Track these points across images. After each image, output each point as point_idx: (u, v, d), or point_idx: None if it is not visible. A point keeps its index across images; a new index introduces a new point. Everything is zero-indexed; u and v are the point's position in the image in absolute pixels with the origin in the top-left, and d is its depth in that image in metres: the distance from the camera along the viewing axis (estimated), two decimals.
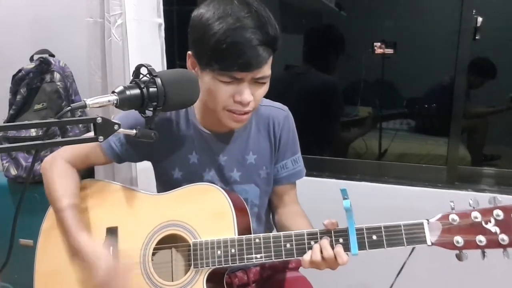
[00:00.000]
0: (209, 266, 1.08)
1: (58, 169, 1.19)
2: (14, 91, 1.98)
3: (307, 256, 1.01)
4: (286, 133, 1.23)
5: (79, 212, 1.15)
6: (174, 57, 1.94)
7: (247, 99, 1.04)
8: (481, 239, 0.95)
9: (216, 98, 1.06)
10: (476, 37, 1.76)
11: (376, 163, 2.16)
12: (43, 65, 1.95)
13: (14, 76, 1.96)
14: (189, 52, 1.10)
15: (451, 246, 0.97)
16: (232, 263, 1.07)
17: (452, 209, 0.99)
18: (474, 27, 1.75)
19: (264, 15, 1.02)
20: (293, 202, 1.30)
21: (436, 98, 2.17)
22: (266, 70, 1.04)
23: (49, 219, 1.19)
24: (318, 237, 1.02)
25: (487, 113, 2.24)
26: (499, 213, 0.95)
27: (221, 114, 1.09)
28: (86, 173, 1.27)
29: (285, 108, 1.26)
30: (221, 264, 1.07)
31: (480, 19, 1.75)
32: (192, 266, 1.09)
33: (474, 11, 1.74)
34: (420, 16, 2.18)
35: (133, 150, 1.21)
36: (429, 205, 1.78)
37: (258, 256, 1.06)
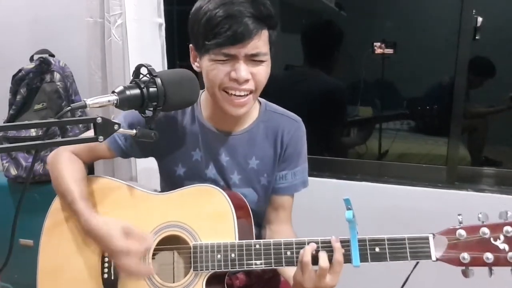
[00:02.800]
0: (208, 269, 1.07)
1: (64, 159, 1.20)
2: (14, 91, 1.98)
3: (306, 258, 0.99)
4: (294, 145, 1.21)
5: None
6: (174, 57, 1.94)
7: (243, 76, 1.02)
8: (488, 256, 0.91)
9: (213, 79, 1.05)
10: (476, 37, 1.76)
11: (377, 163, 2.16)
12: (43, 65, 1.95)
13: (14, 76, 1.97)
14: (190, 45, 1.11)
15: (457, 262, 0.93)
16: (231, 268, 1.06)
17: (460, 223, 0.95)
18: (474, 27, 1.75)
19: None
20: (287, 220, 1.27)
21: (436, 98, 2.17)
22: (261, 46, 1.03)
23: (51, 217, 1.19)
24: (319, 247, 1.00)
25: (487, 113, 2.24)
26: (509, 230, 0.91)
27: (219, 96, 1.08)
28: (87, 170, 1.26)
29: (298, 119, 1.24)
30: (221, 268, 1.07)
31: (480, 19, 1.75)
32: (192, 268, 1.08)
33: (474, 11, 1.74)
34: (420, 16, 2.17)
35: (137, 145, 1.20)
36: (429, 205, 1.80)
37: (258, 262, 1.05)
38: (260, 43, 1.03)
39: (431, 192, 1.80)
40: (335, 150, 2.26)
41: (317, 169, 1.95)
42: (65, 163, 1.19)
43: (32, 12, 2.13)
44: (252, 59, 1.04)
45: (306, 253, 0.98)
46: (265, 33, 1.04)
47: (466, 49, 1.77)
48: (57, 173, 1.18)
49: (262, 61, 1.05)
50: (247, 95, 1.07)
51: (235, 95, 1.06)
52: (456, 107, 1.82)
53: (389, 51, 2.07)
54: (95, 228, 1.07)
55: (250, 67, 1.04)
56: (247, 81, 1.04)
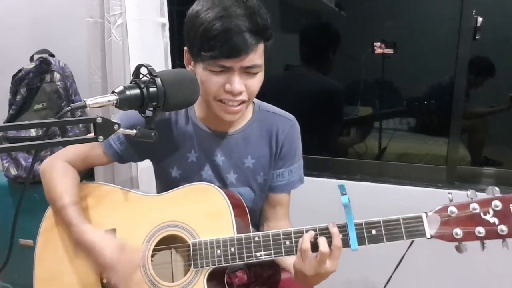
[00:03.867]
0: (209, 265, 1.08)
1: (57, 169, 1.19)
2: (14, 91, 1.98)
3: (305, 245, 1.00)
4: (289, 143, 1.22)
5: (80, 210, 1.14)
6: (174, 57, 1.94)
7: (237, 88, 1.03)
8: (480, 230, 0.95)
9: (207, 89, 1.06)
10: (476, 37, 1.76)
11: (376, 163, 2.16)
12: (43, 65, 1.95)
13: (14, 76, 1.97)
14: (185, 48, 1.11)
15: (450, 238, 0.97)
16: (232, 262, 1.07)
17: (451, 201, 0.99)
18: (474, 27, 1.75)
19: (251, 5, 1.02)
20: (284, 217, 1.28)
21: (436, 98, 2.17)
22: (256, 59, 1.03)
23: (48, 220, 1.19)
24: (318, 234, 1.02)
25: (487, 113, 2.24)
26: (497, 204, 0.95)
27: (214, 105, 1.09)
28: (86, 173, 1.26)
29: (292, 117, 1.25)
30: (221, 264, 1.07)
31: (480, 19, 1.75)
32: (192, 266, 1.09)
33: (474, 11, 1.74)
34: (420, 16, 2.17)
35: (133, 149, 1.20)
36: (429, 205, 1.78)
37: (258, 254, 1.05)
38: (256, 56, 1.03)
39: (431, 192, 1.80)
40: (334, 149, 2.26)
41: (317, 169, 1.96)
42: (57, 173, 1.18)
43: (32, 12, 2.13)
44: (247, 71, 1.04)
45: (305, 241, 1.00)
46: (261, 46, 1.04)
47: (466, 49, 1.76)
48: (49, 182, 1.18)
49: (256, 73, 1.06)
50: (240, 104, 1.08)
51: (229, 104, 1.07)
52: (456, 107, 1.82)
53: (389, 51, 2.07)
54: (88, 240, 1.07)
55: (244, 78, 1.05)
56: (240, 92, 1.05)
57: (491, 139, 2.23)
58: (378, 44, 2.07)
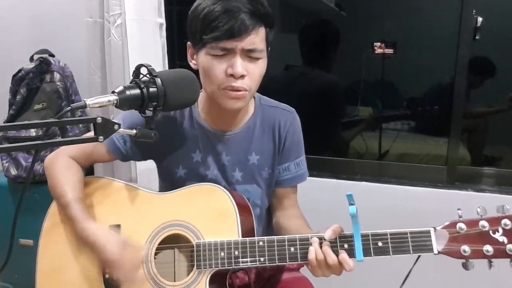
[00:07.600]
0: (212, 267, 1.08)
1: (61, 163, 1.19)
2: (14, 91, 1.98)
3: (311, 255, 1.00)
4: (291, 136, 1.23)
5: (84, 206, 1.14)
6: (174, 57, 1.94)
7: (239, 71, 1.03)
8: (488, 249, 0.94)
9: (211, 77, 1.06)
10: (476, 37, 1.76)
11: (376, 163, 2.16)
12: (43, 65, 1.95)
13: (14, 76, 1.97)
14: (188, 43, 1.12)
15: (457, 255, 0.96)
16: (235, 265, 1.07)
17: (460, 217, 0.97)
18: (474, 27, 1.75)
19: None
20: (292, 205, 1.29)
21: (436, 98, 2.17)
22: (257, 43, 1.04)
23: (51, 218, 1.19)
24: (322, 244, 1.01)
25: (487, 113, 2.24)
26: (507, 223, 0.94)
27: (218, 95, 1.08)
28: (86, 172, 1.26)
29: (292, 109, 1.25)
30: (224, 266, 1.07)
31: (480, 19, 1.75)
32: (195, 267, 1.09)
33: (474, 11, 1.74)
34: (420, 16, 2.18)
35: (136, 148, 1.20)
36: (429, 205, 1.80)
37: (262, 259, 1.05)
38: (257, 39, 1.04)
39: (431, 192, 1.80)
40: (335, 147, 2.26)
41: (317, 169, 1.96)
42: (61, 168, 1.18)
43: (32, 12, 2.13)
44: (249, 55, 1.05)
45: (311, 252, 1.00)
46: (262, 30, 1.05)
47: (466, 49, 1.77)
48: (53, 178, 1.17)
49: (258, 58, 1.07)
50: (242, 90, 1.07)
51: (232, 90, 1.06)
52: (456, 107, 1.82)
53: (389, 51, 2.07)
54: (92, 235, 1.08)
55: (246, 63, 1.05)
56: (243, 76, 1.05)
57: (491, 139, 2.23)
58: (378, 44, 2.07)
